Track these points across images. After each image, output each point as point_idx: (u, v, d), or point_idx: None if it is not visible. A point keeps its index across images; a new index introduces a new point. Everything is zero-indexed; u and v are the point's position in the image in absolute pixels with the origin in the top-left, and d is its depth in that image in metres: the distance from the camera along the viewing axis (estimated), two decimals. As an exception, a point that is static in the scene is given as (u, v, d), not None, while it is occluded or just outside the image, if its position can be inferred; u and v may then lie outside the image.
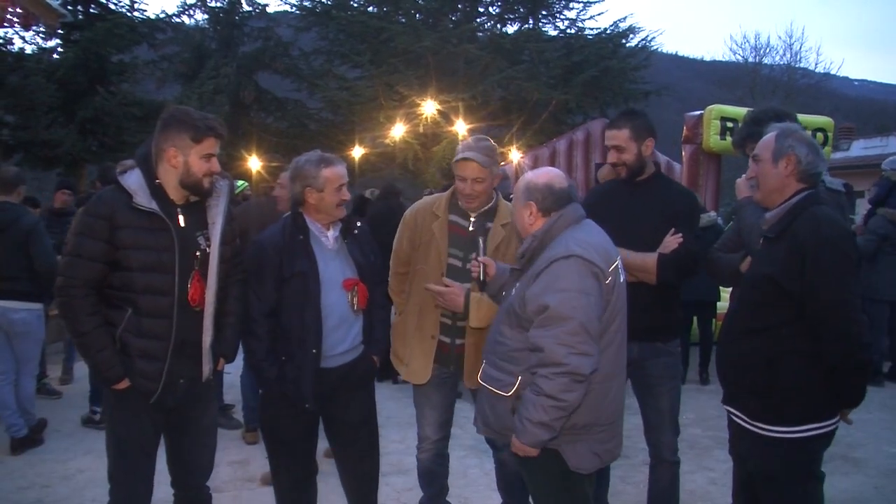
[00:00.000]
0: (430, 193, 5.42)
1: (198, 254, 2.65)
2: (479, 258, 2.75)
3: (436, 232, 3.12)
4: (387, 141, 13.40)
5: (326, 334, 2.90)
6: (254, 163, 10.00)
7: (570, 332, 2.20)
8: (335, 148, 14.58)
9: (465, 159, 3.02)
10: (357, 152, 12.54)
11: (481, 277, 2.76)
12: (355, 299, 2.98)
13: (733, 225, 3.21)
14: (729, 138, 7.99)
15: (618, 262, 2.42)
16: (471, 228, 3.13)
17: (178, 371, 2.65)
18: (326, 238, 3.02)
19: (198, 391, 2.75)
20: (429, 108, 11.91)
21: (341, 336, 2.97)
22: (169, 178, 2.63)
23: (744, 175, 2.94)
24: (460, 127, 11.25)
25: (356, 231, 3.12)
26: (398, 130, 12.36)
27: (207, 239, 2.70)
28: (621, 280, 2.43)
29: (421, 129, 12.81)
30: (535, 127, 14.65)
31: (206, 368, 2.74)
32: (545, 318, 2.25)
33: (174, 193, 2.64)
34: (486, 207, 3.13)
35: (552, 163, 9.58)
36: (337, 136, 15.50)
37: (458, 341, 3.10)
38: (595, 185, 5.32)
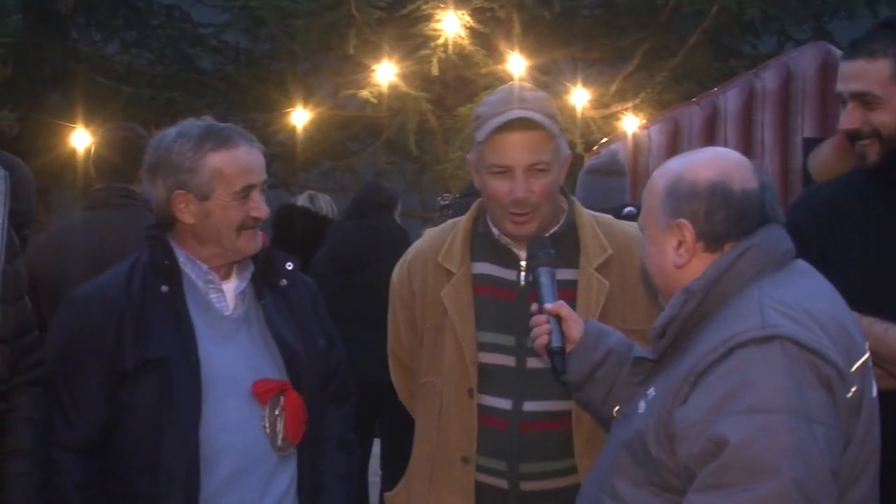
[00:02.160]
0: (449, 207, 5.39)
1: None
2: (546, 306, 2.83)
3: (450, 305, 3.23)
4: (363, 94, 13.45)
5: (212, 492, 2.99)
6: (81, 139, 10.08)
7: (774, 499, 2.20)
8: (253, 108, 14.61)
9: (512, 124, 3.10)
10: (300, 118, 12.59)
11: (554, 345, 2.82)
12: (279, 423, 3.05)
13: None
14: None
15: (867, 355, 2.47)
16: (522, 283, 3.21)
17: None
18: (220, 294, 3.14)
19: None
20: (450, 24, 11.92)
21: (245, 499, 3.04)
22: None
23: None
24: (516, 65, 11.24)
25: (285, 282, 3.20)
26: (386, 72, 12.40)
27: None
28: (874, 394, 2.48)
29: (435, 69, 12.84)
30: (674, 64, 14.62)
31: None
32: (720, 468, 2.27)
33: None
34: (550, 232, 3.22)
35: (709, 138, 9.55)
36: (258, 86, 15.59)
37: None
38: (806, 182, 5.26)
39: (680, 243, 2.53)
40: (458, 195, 6.47)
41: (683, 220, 2.52)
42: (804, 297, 2.43)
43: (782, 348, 2.29)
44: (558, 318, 2.87)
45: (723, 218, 2.50)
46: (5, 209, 2.82)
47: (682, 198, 2.53)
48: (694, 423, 2.32)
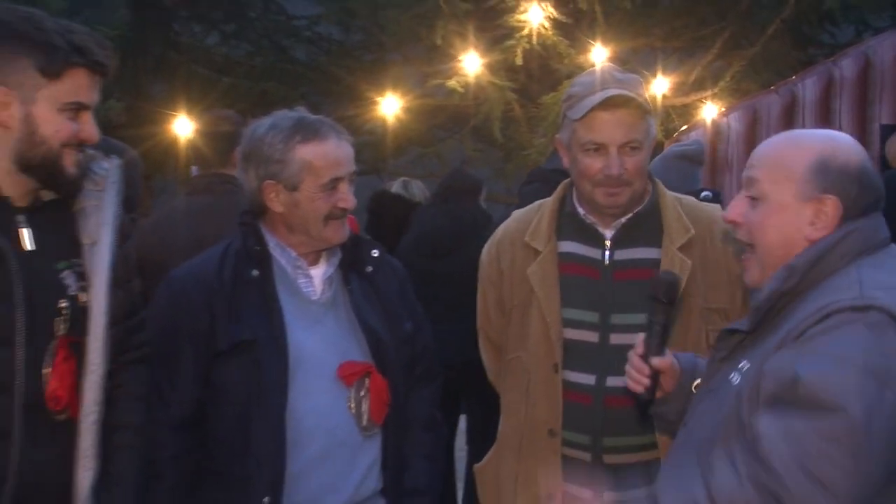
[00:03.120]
0: (534, 193, 5.38)
1: (63, 306, 2.72)
2: (653, 360, 2.70)
3: (536, 283, 3.24)
4: (451, 84, 13.42)
5: (299, 471, 3.02)
6: (183, 126, 10.16)
7: (825, 432, 2.24)
8: (345, 99, 14.62)
9: (610, 101, 3.09)
10: (390, 106, 12.62)
11: (645, 398, 2.75)
12: (364, 404, 3.08)
13: None
14: None
15: None
16: (607, 261, 3.22)
17: None
18: (308, 279, 3.17)
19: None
20: (534, 15, 11.89)
21: (331, 478, 3.08)
22: None
23: None
24: (598, 54, 11.17)
25: (371, 268, 3.23)
26: (472, 63, 12.38)
27: (82, 275, 2.76)
28: None
29: (519, 60, 12.79)
30: (753, 53, 14.44)
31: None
32: (786, 394, 2.31)
33: (10, 184, 2.72)
34: (634, 212, 3.24)
35: (788, 126, 9.43)
36: (349, 76, 15.63)
37: (610, 497, 3.25)
38: (883, 168, 5.19)
39: (819, 215, 2.51)
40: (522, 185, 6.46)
41: (832, 197, 2.49)
42: None
43: (878, 317, 2.30)
44: (658, 373, 2.75)
45: (865, 203, 2.52)
46: (119, 198, 2.84)
47: (834, 175, 2.51)
48: (777, 368, 2.34)
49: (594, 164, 3.13)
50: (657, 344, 2.70)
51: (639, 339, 2.74)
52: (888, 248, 2.54)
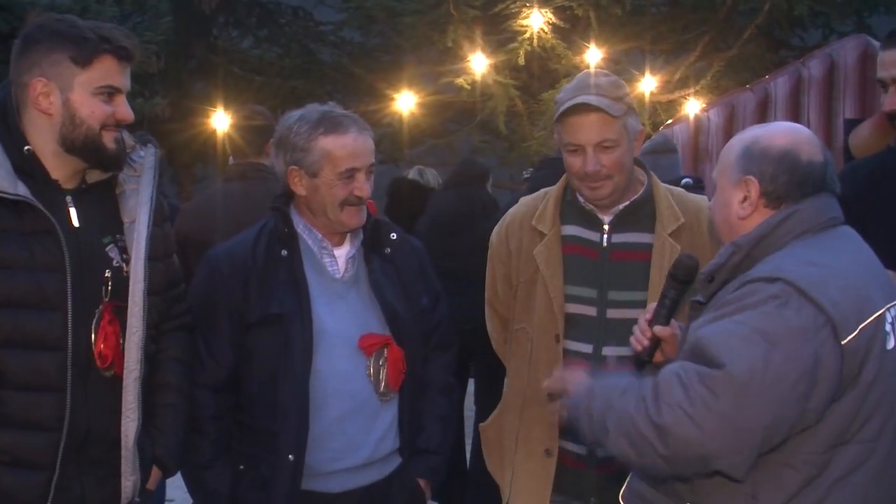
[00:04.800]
0: (543, 178, 5.37)
1: (108, 275, 2.73)
2: (656, 328, 2.72)
3: (541, 262, 3.24)
4: (459, 81, 13.42)
5: (321, 432, 3.04)
6: (220, 120, 10.14)
7: (705, 378, 2.26)
8: (366, 96, 14.63)
9: (578, 108, 3.07)
10: (406, 102, 12.60)
11: (644, 357, 2.77)
12: (383, 372, 3.10)
13: None
14: None
15: (888, 312, 2.43)
16: (605, 244, 3.21)
17: (76, 489, 2.71)
18: (332, 259, 3.18)
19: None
20: (535, 20, 11.86)
21: (352, 438, 3.10)
22: (42, 137, 2.71)
23: None
24: (592, 56, 11.14)
25: (389, 250, 3.23)
26: (479, 63, 12.36)
27: (124, 249, 2.78)
28: (891, 345, 2.43)
29: (521, 60, 12.78)
30: (731, 55, 14.42)
31: (129, 483, 2.80)
32: (692, 350, 2.36)
33: (57, 167, 2.74)
34: (630, 200, 3.22)
35: (761, 120, 9.40)
36: (370, 75, 15.63)
37: (601, 452, 3.17)
38: (846, 158, 5.15)
39: (745, 198, 2.52)
40: (531, 169, 6.43)
41: (751, 178, 2.50)
42: (828, 255, 2.43)
43: (782, 288, 2.30)
44: (658, 340, 2.77)
45: (786, 181, 2.48)
46: (155, 182, 2.86)
47: (754, 158, 2.53)
48: (693, 329, 2.40)
49: (575, 162, 3.13)
50: (664, 315, 2.72)
51: (650, 306, 2.77)
52: (837, 228, 2.51)
